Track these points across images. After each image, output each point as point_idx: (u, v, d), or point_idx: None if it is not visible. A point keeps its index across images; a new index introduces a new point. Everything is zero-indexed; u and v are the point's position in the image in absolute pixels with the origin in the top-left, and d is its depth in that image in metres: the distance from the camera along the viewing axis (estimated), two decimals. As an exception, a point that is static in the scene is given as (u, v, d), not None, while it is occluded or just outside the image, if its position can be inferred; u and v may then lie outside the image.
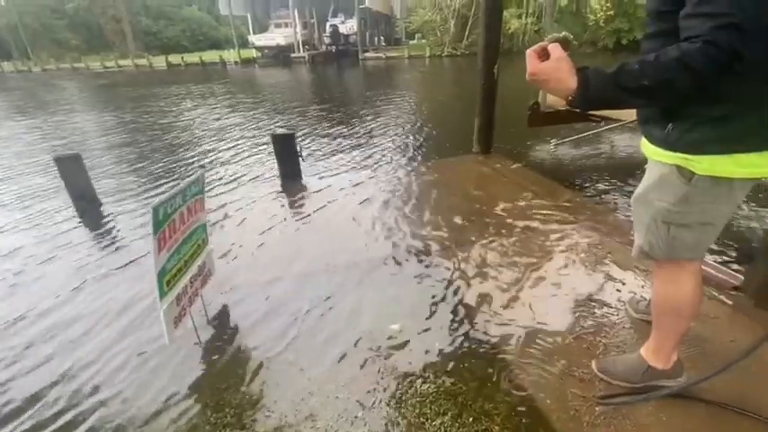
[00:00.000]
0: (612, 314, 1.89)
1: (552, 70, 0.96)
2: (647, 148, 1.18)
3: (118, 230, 3.20)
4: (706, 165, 1.02)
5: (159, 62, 28.78)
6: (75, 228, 3.30)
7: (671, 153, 1.08)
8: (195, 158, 5.47)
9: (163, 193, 1.67)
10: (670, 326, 1.34)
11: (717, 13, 0.80)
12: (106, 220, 3.42)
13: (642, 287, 2.07)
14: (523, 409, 1.45)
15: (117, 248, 2.90)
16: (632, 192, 1.28)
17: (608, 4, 25.69)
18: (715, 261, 2.30)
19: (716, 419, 1.35)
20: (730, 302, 1.90)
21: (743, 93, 0.93)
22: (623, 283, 2.11)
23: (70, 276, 2.54)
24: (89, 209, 3.55)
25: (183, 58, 29.23)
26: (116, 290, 2.35)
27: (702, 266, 1.30)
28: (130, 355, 1.83)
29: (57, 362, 1.82)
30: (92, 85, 17.87)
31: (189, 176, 1.77)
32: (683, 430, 1.33)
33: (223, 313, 2.09)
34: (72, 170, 3.47)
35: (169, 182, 4.52)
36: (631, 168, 4.27)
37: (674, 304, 1.29)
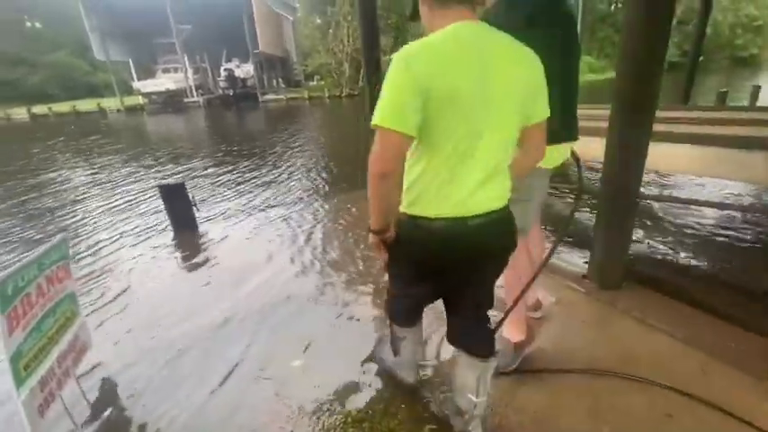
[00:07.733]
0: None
1: None
2: None
3: None
4: None
5: (20, 114, 25.04)
6: None
7: None
8: (66, 220, 4.83)
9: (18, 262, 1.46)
10: (521, 293, 1.60)
11: None
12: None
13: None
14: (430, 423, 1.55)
15: None
16: None
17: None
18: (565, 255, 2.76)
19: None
20: (583, 290, 2.29)
21: None
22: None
23: None
24: None
25: (50, 108, 25.87)
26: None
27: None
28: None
29: None
30: None
31: (48, 242, 1.59)
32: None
33: (105, 390, 1.85)
34: None
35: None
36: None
37: (526, 266, 1.59)
